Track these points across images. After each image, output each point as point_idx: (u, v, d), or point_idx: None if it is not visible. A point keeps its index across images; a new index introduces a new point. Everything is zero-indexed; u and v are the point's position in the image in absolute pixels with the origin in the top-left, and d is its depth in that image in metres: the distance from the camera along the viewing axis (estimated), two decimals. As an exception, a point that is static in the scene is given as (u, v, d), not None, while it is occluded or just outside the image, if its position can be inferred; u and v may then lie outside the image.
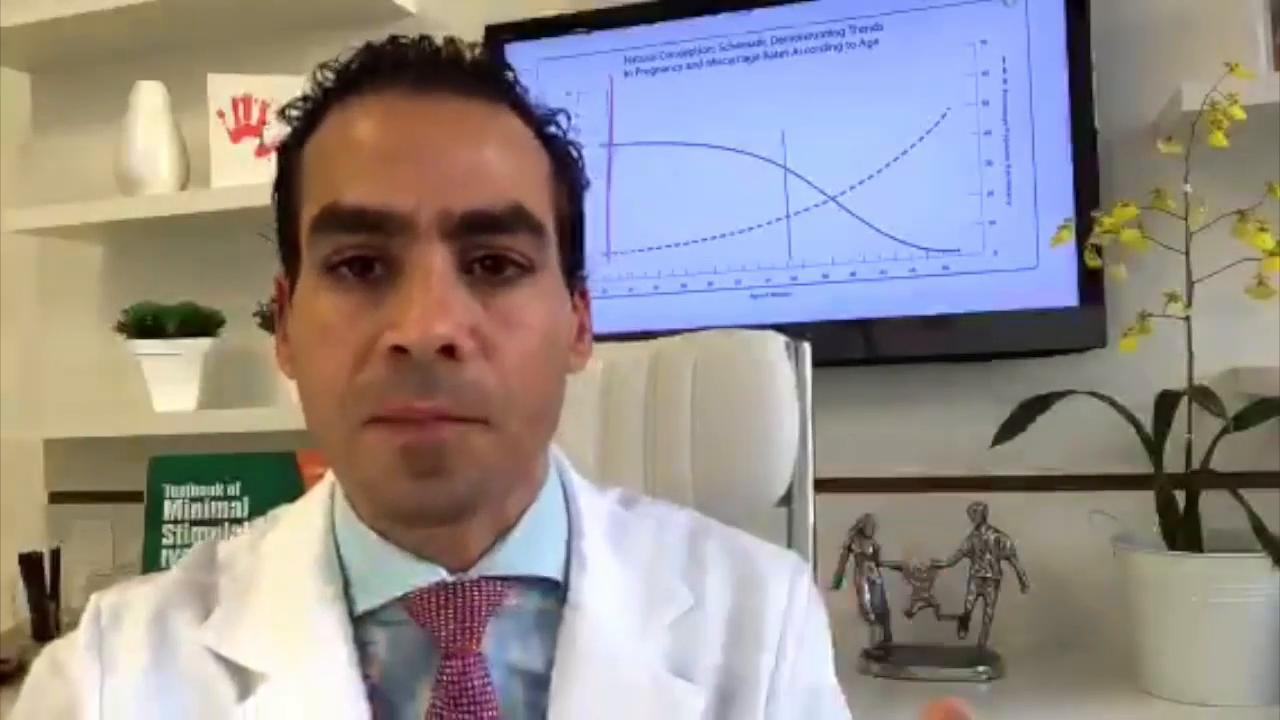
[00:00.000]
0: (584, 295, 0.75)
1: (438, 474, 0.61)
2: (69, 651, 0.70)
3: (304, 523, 0.72)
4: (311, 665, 0.67)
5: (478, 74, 0.66)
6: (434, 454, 0.60)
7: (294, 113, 0.68)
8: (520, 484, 0.69)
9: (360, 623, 0.68)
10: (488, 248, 0.62)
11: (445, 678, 0.66)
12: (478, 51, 0.68)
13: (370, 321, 0.61)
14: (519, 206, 0.63)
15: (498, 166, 0.63)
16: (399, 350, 0.59)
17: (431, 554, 0.67)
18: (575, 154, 0.71)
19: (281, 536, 0.73)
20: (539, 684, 0.68)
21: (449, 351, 0.59)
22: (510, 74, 0.69)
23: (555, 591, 0.70)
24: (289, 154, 0.68)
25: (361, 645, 0.68)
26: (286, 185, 0.68)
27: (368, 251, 0.62)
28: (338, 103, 0.66)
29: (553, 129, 0.70)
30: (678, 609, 0.72)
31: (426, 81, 0.64)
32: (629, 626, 0.70)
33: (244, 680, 0.67)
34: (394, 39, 0.67)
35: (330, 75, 0.67)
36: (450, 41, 0.67)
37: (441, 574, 0.67)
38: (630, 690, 0.68)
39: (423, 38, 0.67)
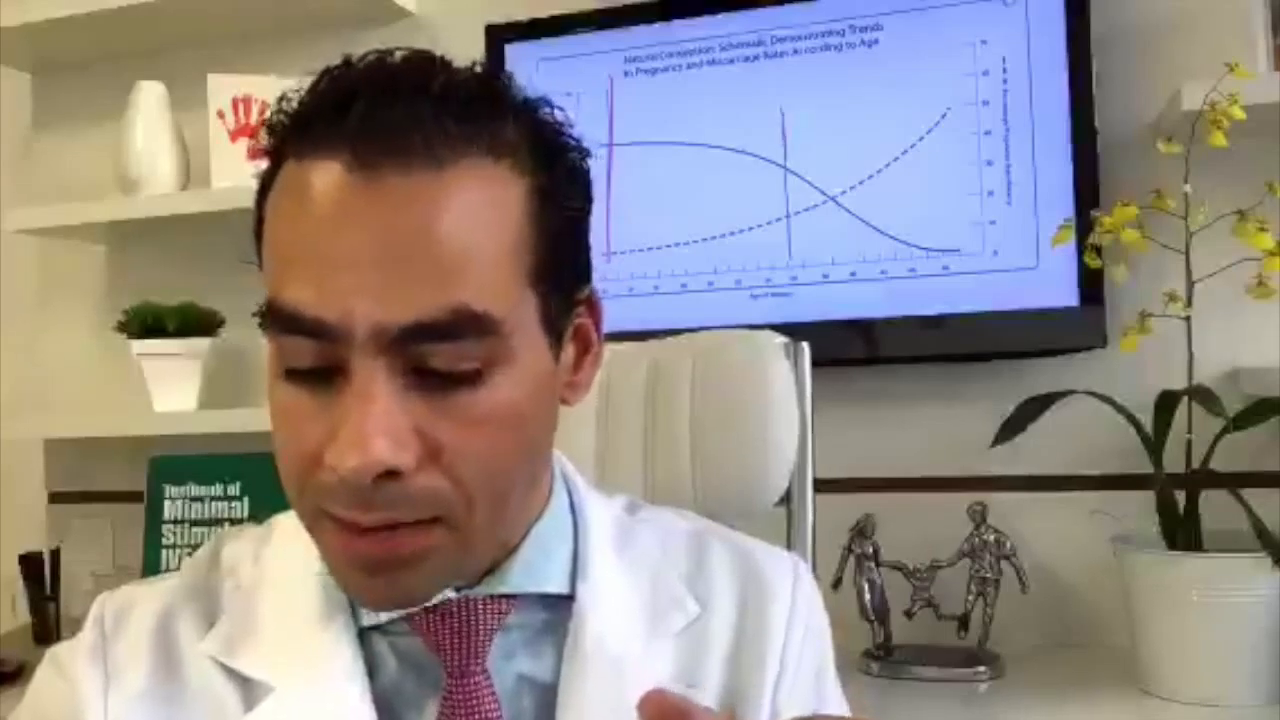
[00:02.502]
0: (592, 307, 0.70)
1: (392, 573, 0.60)
2: (72, 656, 0.69)
3: (305, 534, 0.71)
4: (318, 678, 0.66)
5: (435, 119, 0.58)
6: (383, 565, 0.60)
7: (264, 140, 0.64)
8: (524, 502, 0.68)
9: (366, 636, 0.68)
10: (433, 358, 0.58)
11: (450, 695, 0.66)
12: (460, 76, 0.61)
13: (319, 428, 0.59)
14: (465, 311, 0.57)
15: (444, 261, 0.57)
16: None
17: None
18: (578, 164, 0.66)
19: (284, 547, 0.72)
20: (547, 694, 0.68)
21: (392, 474, 0.57)
22: (505, 86, 0.63)
23: (562, 601, 0.70)
24: (261, 193, 0.64)
25: (367, 659, 0.68)
26: (260, 222, 0.64)
27: (315, 358, 0.59)
28: (292, 151, 0.61)
29: (548, 137, 0.64)
30: (685, 618, 0.72)
31: (368, 151, 0.57)
32: (636, 636, 0.70)
33: (249, 692, 0.67)
34: (361, 58, 0.61)
35: (288, 109, 0.62)
36: (421, 66, 0.61)
37: (446, 591, 0.66)
38: (637, 700, 0.68)
39: (382, 67, 0.61)
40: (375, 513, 0.58)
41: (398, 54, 0.62)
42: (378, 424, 0.57)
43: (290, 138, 0.61)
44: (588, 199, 0.68)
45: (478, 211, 0.59)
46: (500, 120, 0.61)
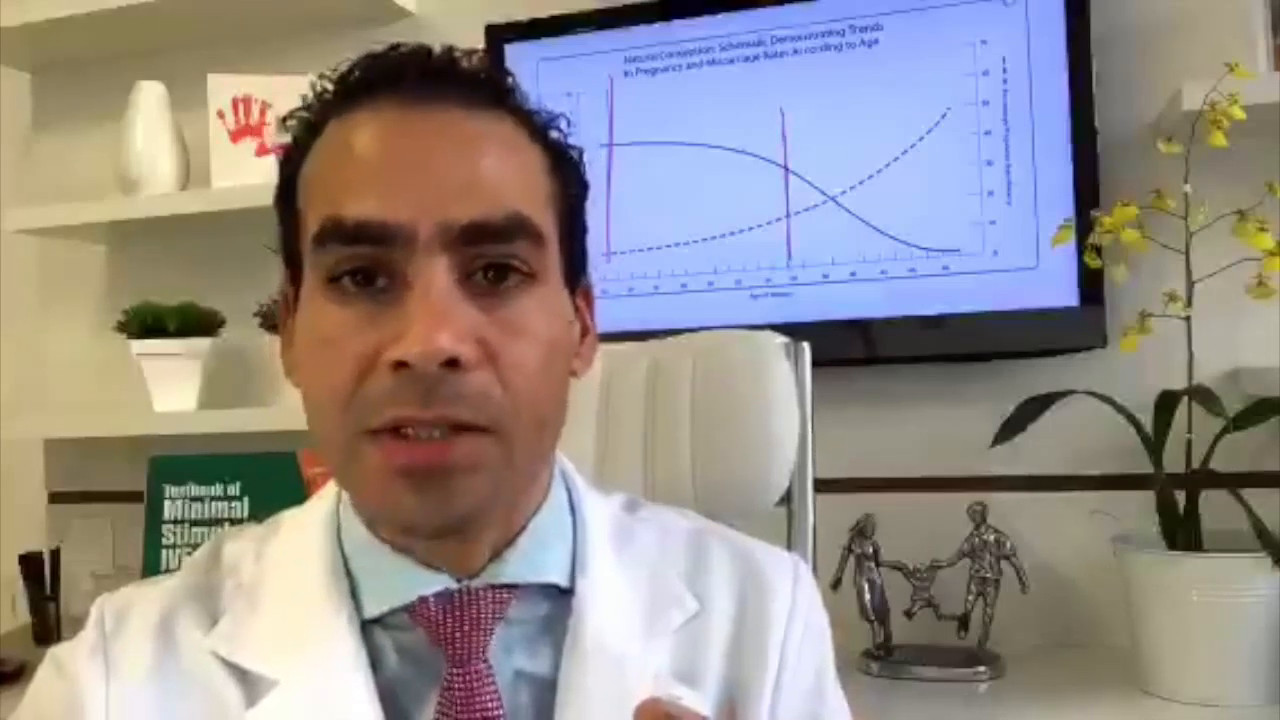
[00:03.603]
0: (587, 297, 0.74)
1: (440, 489, 0.61)
2: (73, 655, 0.69)
3: (309, 529, 0.72)
4: (321, 671, 0.66)
5: (474, 82, 0.66)
6: (435, 472, 0.61)
7: (294, 122, 0.68)
8: (526, 492, 0.69)
9: (367, 629, 0.68)
10: (489, 257, 0.62)
11: (451, 685, 0.66)
12: (475, 59, 0.67)
13: (374, 334, 0.61)
14: (519, 215, 0.63)
15: (497, 176, 0.63)
16: (402, 364, 0.59)
17: (437, 562, 0.67)
18: (576, 158, 0.71)
19: (287, 543, 0.72)
20: (546, 690, 0.68)
21: (453, 364, 0.59)
22: (509, 79, 0.68)
23: (561, 597, 0.70)
24: (290, 165, 0.68)
25: (370, 653, 0.68)
26: (288, 196, 0.67)
27: (370, 264, 0.62)
28: (336, 114, 0.66)
29: (553, 133, 0.70)
30: (683, 615, 0.72)
31: (423, 92, 0.64)
32: (635, 632, 0.71)
33: (252, 687, 0.67)
34: (392, 47, 0.66)
35: (329, 86, 0.67)
36: (447, 50, 0.67)
37: (447, 582, 0.67)
38: (636, 696, 0.68)
39: (419, 46, 0.67)
40: (434, 409, 0.60)
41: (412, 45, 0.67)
42: (443, 315, 0.60)
43: (336, 103, 0.66)
44: (585, 187, 0.72)
45: (522, 149, 0.66)
46: (520, 101, 0.68)
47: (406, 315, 0.60)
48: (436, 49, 0.67)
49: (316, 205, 0.64)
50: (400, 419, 0.60)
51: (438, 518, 0.62)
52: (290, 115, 0.68)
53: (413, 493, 0.61)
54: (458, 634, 0.66)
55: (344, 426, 0.62)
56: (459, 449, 0.61)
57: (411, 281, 0.61)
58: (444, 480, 0.61)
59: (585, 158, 0.72)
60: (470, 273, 0.62)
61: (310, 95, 0.67)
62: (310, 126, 0.67)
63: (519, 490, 0.67)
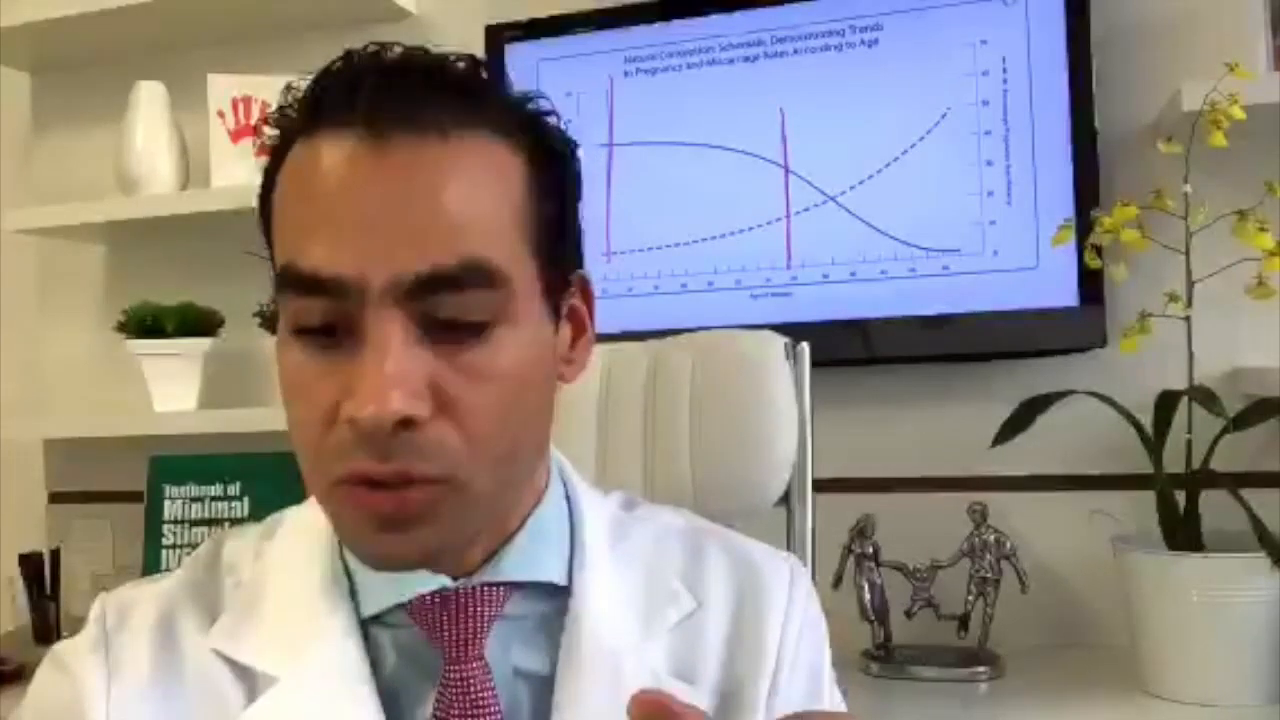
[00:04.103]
0: (585, 290, 0.72)
1: (403, 529, 0.61)
2: (74, 653, 0.70)
3: (308, 529, 0.72)
4: (321, 668, 0.67)
5: (439, 97, 0.62)
6: (397, 515, 0.61)
7: (266, 139, 0.66)
8: (518, 496, 0.69)
9: (366, 626, 0.69)
10: (446, 308, 0.60)
11: (448, 683, 0.66)
12: (451, 61, 0.64)
13: (335, 383, 0.60)
14: (476, 262, 0.60)
15: (453, 217, 0.60)
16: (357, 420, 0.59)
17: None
18: (568, 150, 0.69)
19: (287, 542, 0.73)
20: (543, 687, 0.68)
21: (406, 423, 0.59)
22: (485, 75, 0.65)
23: (559, 594, 0.70)
24: (266, 182, 0.66)
25: (370, 650, 0.68)
26: (266, 215, 0.67)
27: (327, 316, 0.61)
28: (301, 134, 0.63)
29: (540, 126, 0.67)
30: (680, 612, 0.72)
31: (378, 122, 0.60)
32: (631, 629, 0.71)
33: (252, 683, 0.67)
34: (364, 50, 0.64)
35: (294, 101, 0.65)
36: (418, 55, 0.64)
37: (444, 580, 0.67)
38: (632, 693, 0.68)
39: (387, 57, 0.63)
40: (390, 463, 0.60)
41: (395, 47, 0.64)
42: (394, 374, 0.59)
43: (300, 120, 0.64)
44: (579, 188, 0.70)
45: (482, 178, 0.62)
46: (498, 104, 0.65)
47: (360, 371, 0.59)
48: (410, 50, 0.64)
49: (278, 244, 0.64)
50: (359, 472, 0.60)
51: (403, 558, 0.64)
52: (266, 121, 0.66)
53: (379, 533, 0.62)
54: (454, 632, 0.67)
55: (317, 473, 0.63)
56: (414, 499, 0.61)
57: (366, 334, 0.60)
58: (403, 526, 0.61)
59: (578, 150, 0.70)
60: (427, 321, 0.60)
61: (283, 104, 0.65)
62: (278, 147, 0.65)
63: (484, 527, 0.67)
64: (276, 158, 0.65)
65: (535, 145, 0.66)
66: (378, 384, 0.58)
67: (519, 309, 0.63)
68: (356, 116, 0.60)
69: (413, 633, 0.68)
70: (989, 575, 1.51)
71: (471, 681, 0.66)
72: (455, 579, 0.67)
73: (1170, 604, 1.31)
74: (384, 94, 0.61)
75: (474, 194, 0.61)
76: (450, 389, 0.60)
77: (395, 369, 0.59)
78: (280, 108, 0.65)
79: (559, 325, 0.69)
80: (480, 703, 0.66)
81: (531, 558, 0.70)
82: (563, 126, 0.69)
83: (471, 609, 0.67)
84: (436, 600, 0.67)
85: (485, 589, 0.67)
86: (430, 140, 0.61)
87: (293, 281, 0.61)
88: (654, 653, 0.70)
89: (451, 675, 0.66)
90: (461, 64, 0.65)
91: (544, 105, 0.68)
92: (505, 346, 0.62)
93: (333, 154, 0.61)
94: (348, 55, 0.64)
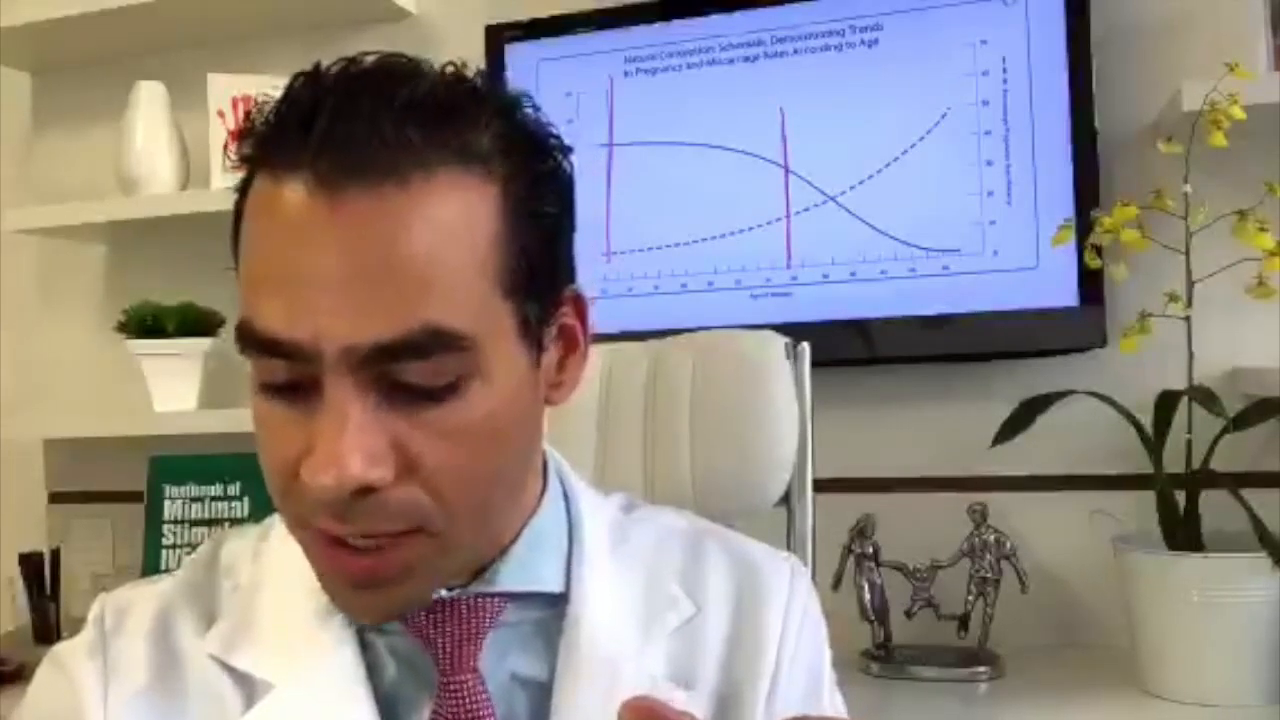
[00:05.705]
0: (578, 305, 0.68)
1: (378, 589, 0.61)
2: (73, 654, 0.70)
3: None
4: (318, 675, 0.67)
5: (401, 130, 0.57)
6: (371, 579, 0.61)
7: (235, 153, 0.63)
8: (511, 508, 0.68)
9: (363, 632, 0.69)
10: (406, 373, 0.57)
11: (445, 692, 0.66)
12: (429, 71, 0.60)
13: (298, 439, 0.59)
14: (436, 328, 0.57)
15: (413, 281, 0.56)
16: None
17: None
18: (557, 160, 0.65)
19: (284, 543, 0.71)
20: (541, 693, 0.68)
21: (366, 490, 0.57)
22: (467, 84, 0.61)
23: (557, 599, 0.70)
24: (237, 205, 0.65)
25: (366, 657, 0.68)
26: (236, 237, 0.65)
27: (291, 375, 0.59)
28: (262, 165, 0.60)
29: (523, 141, 0.63)
30: (679, 617, 0.72)
31: (331, 172, 0.56)
32: (630, 635, 0.70)
33: (249, 689, 0.67)
34: (315, 76, 0.59)
35: (255, 127, 0.61)
36: (383, 73, 0.59)
37: (439, 590, 0.66)
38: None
39: (350, 71, 0.59)
40: (353, 525, 0.59)
41: (367, 60, 0.60)
42: (351, 442, 0.57)
43: (259, 150, 0.61)
44: (569, 200, 0.66)
45: (446, 226, 0.58)
46: (470, 126, 0.60)
47: (319, 433, 0.57)
48: (382, 63, 0.60)
49: (241, 285, 0.62)
50: (324, 530, 0.60)
51: (377, 615, 0.64)
52: (235, 136, 0.64)
53: (352, 591, 0.62)
54: (449, 642, 0.66)
55: (285, 514, 0.63)
56: (389, 560, 0.60)
57: (325, 395, 0.58)
58: (379, 586, 0.61)
59: (573, 160, 0.66)
60: (389, 385, 0.58)
61: (253, 119, 0.61)
62: (246, 165, 0.62)
63: (478, 549, 0.67)
64: (247, 176, 0.63)
65: (517, 166, 0.61)
66: (334, 451, 0.56)
67: (489, 360, 0.60)
68: (307, 162, 0.57)
69: (408, 639, 0.68)
70: (989, 575, 1.51)
71: (467, 690, 0.66)
72: (451, 589, 0.67)
73: (1170, 604, 1.31)
74: (336, 135, 0.56)
75: (436, 250, 0.57)
76: (414, 448, 0.58)
77: (352, 437, 0.57)
78: (248, 125, 0.61)
79: (543, 353, 0.65)
80: (476, 712, 0.66)
81: (529, 567, 0.69)
82: (553, 130, 0.65)
83: (467, 619, 0.67)
84: (431, 611, 0.66)
85: (481, 599, 0.67)
86: (388, 191, 0.56)
87: (251, 341, 0.59)
88: (652, 658, 0.70)
89: (447, 685, 0.66)
90: (435, 80, 0.60)
91: (529, 115, 0.64)
92: (474, 402, 0.59)
93: (285, 203, 0.58)
94: (313, 73, 0.59)
